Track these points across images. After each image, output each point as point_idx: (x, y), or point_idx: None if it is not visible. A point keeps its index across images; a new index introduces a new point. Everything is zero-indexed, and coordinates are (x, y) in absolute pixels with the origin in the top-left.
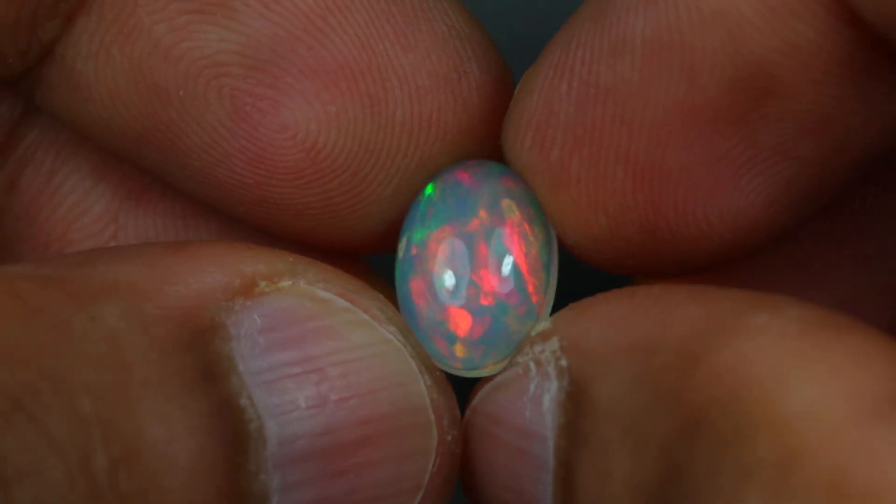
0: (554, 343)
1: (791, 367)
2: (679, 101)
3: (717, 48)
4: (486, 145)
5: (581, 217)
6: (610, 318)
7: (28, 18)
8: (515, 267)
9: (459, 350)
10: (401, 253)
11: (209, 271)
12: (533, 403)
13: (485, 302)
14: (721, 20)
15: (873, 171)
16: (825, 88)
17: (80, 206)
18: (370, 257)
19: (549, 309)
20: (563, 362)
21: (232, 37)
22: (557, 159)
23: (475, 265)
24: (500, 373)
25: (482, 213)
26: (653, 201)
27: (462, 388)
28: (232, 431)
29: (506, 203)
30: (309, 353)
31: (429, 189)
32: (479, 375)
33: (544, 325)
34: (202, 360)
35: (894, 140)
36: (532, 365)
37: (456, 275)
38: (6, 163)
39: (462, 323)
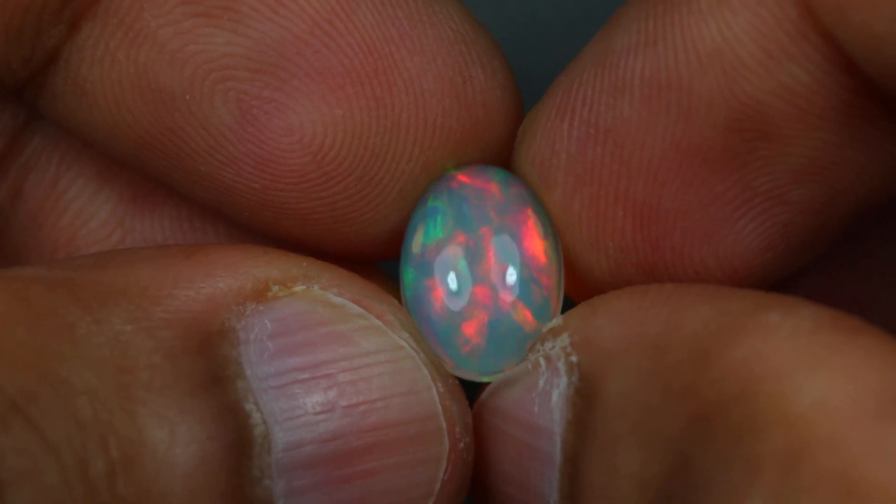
0: (564, 339)
1: (803, 365)
2: (676, 141)
3: (713, 89)
4: (490, 150)
5: (583, 260)
6: (621, 314)
7: (32, 25)
8: (526, 269)
9: (470, 356)
10: (406, 261)
11: (221, 276)
12: (542, 399)
13: (493, 307)
14: (717, 62)
15: (872, 219)
16: (819, 133)
17: (85, 212)
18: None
19: (560, 309)
20: (573, 358)
21: (238, 40)
22: (560, 200)
23: (486, 269)
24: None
25: (492, 217)
26: (651, 242)
27: (472, 388)
28: (236, 436)
29: (514, 206)
30: (318, 359)
31: (433, 199)
32: (490, 381)
33: (555, 321)
34: (210, 364)
35: (890, 189)
36: (542, 360)
37: (467, 280)
38: (10, 170)
39: (474, 328)
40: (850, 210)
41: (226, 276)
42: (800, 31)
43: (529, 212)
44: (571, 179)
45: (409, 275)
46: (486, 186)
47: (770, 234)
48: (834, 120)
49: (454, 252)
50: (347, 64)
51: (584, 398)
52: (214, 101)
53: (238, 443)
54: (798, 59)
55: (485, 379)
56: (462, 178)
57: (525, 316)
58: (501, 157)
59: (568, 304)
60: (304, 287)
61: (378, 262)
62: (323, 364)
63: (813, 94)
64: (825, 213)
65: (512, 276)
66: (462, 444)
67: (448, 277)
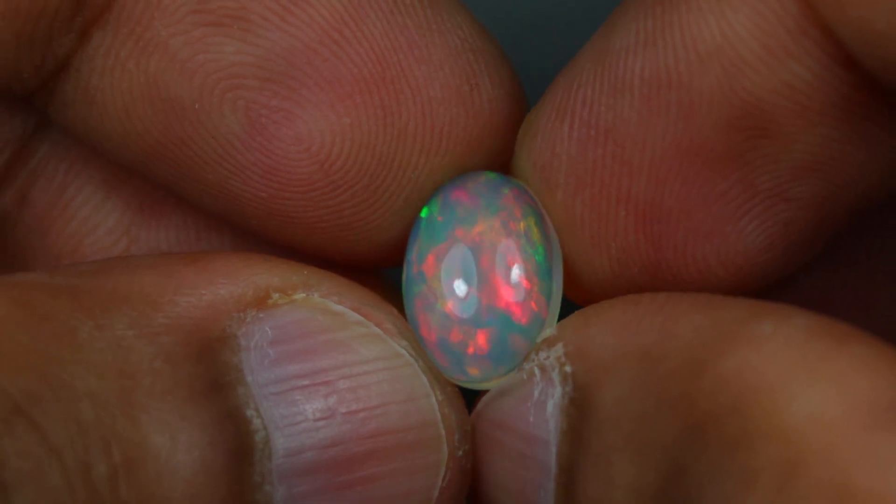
0: (558, 349)
1: (796, 375)
2: (677, 140)
3: (714, 87)
4: (496, 158)
5: (586, 261)
6: (615, 324)
7: (43, 33)
8: (517, 279)
9: (467, 364)
10: (406, 271)
11: (222, 283)
12: (537, 409)
13: (489, 316)
14: (717, 60)
15: (873, 215)
16: (820, 129)
17: (92, 220)
18: (385, 271)
19: (556, 317)
20: (568, 368)
21: (248, 49)
22: (562, 202)
23: (478, 279)
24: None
25: (481, 228)
26: (654, 242)
27: (470, 396)
28: (237, 442)
29: (504, 215)
30: (318, 366)
31: (426, 210)
32: (487, 388)
33: (550, 331)
34: (211, 370)
35: (890, 184)
36: (536, 371)
37: (459, 290)
38: (18, 175)
39: (468, 337)
40: (851, 206)
41: (227, 283)
42: (800, 27)
43: (525, 220)
44: (572, 181)
45: (407, 285)
46: (482, 195)
47: (772, 231)
48: (834, 116)
49: (445, 265)
50: (356, 73)
51: (579, 408)
52: (223, 110)
53: (239, 449)
54: (798, 55)
55: (479, 387)
56: (454, 190)
57: (520, 325)
58: (508, 165)
59: (571, 307)
60: (305, 295)
61: (384, 268)
62: (323, 371)
63: (813, 91)
64: (826, 210)
65: (503, 286)
66: (460, 452)
67: (444, 288)
